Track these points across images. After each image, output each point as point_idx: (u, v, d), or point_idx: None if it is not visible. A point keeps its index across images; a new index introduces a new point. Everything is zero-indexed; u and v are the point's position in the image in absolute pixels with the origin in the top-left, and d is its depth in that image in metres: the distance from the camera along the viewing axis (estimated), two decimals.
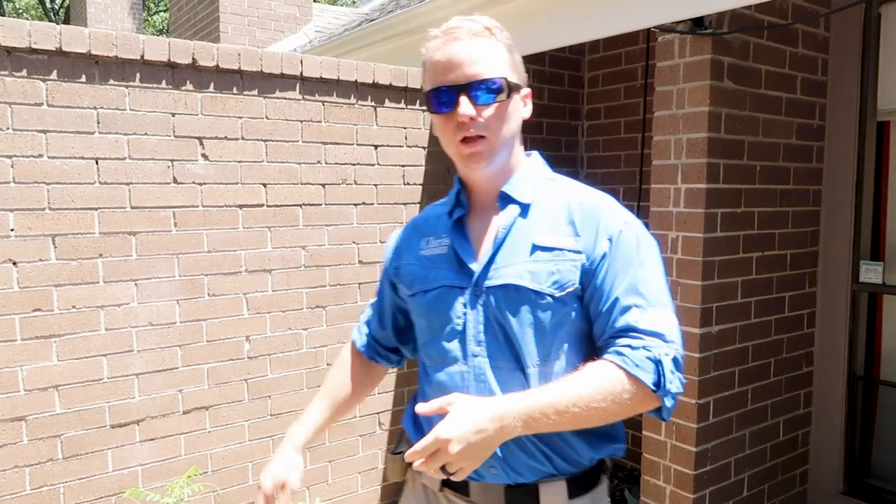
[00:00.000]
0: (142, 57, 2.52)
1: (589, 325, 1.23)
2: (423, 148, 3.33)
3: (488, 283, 1.22)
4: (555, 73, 3.80)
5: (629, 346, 1.13)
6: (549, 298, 1.19)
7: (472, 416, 1.07)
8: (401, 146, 3.25)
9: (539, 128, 3.72)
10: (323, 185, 3.03)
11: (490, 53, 1.20)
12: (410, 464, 1.18)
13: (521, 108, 1.27)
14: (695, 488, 2.76)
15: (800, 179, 3.05)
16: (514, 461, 1.21)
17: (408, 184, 3.30)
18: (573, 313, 1.22)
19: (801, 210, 3.08)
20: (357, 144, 3.12)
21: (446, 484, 1.30)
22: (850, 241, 3.09)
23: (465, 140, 1.21)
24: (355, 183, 3.12)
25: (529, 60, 3.79)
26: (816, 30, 3.02)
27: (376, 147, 3.18)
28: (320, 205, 3.03)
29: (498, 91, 1.19)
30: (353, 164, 3.11)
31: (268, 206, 2.89)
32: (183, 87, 2.64)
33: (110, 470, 2.59)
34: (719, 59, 2.63)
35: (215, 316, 2.79)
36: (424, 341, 1.33)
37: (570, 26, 2.95)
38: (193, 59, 2.63)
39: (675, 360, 1.14)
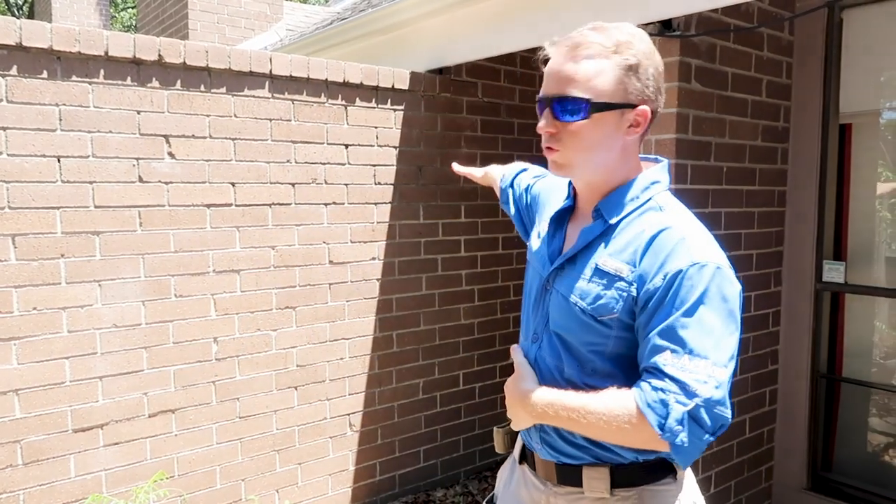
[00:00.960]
0: (106, 53, 2.47)
1: (636, 352, 1.23)
2: (395, 147, 3.32)
3: (555, 286, 1.34)
4: (526, 73, 3.81)
5: (650, 384, 1.14)
6: (591, 320, 1.25)
7: (517, 386, 1.32)
8: (372, 145, 3.24)
9: (510, 128, 3.74)
10: (293, 185, 3.00)
11: (588, 72, 1.21)
12: (512, 438, 1.50)
13: (615, 127, 1.24)
14: None
15: (765, 181, 3.10)
16: (554, 443, 1.33)
17: (379, 183, 3.28)
18: (615, 337, 1.24)
19: (766, 211, 3.13)
20: (327, 143, 3.09)
21: (523, 458, 1.46)
22: (813, 242, 3.15)
23: (547, 148, 1.29)
24: (326, 182, 3.10)
25: (500, 61, 3.80)
26: (781, 34, 3.08)
27: (347, 146, 3.16)
28: (290, 204, 3.00)
29: (577, 111, 1.22)
30: (324, 164, 3.09)
31: (236, 205, 2.85)
32: (149, 85, 2.60)
33: (73, 475, 2.53)
34: (687, 61, 2.66)
35: (182, 317, 2.74)
36: (522, 293, 1.50)
37: (541, 28, 2.96)
38: (160, 55, 2.59)
39: (693, 412, 1.11)
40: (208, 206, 2.77)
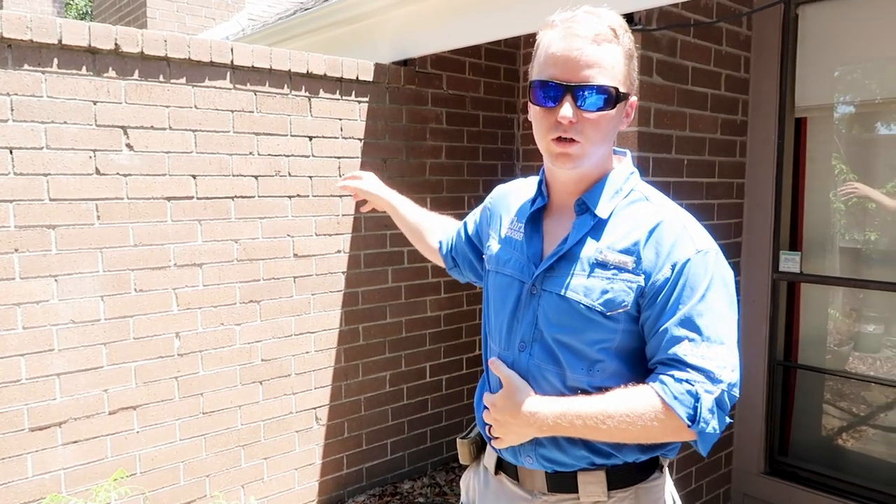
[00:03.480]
0: (59, 41, 2.40)
1: (642, 344, 1.22)
2: (359, 140, 3.29)
3: (546, 287, 1.25)
4: (491, 66, 3.82)
5: (673, 376, 1.13)
6: (600, 316, 1.19)
7: (513, 401, 1.20)
8: (336, 137, 3.21)
9: (475, 121, 3.74)
10: (256, 177, 2.96)
11: (608, 59, 1.15)
12: (479, 447, 1.43)
13: (620, 118, 1.22)
14: None
15: (724, 173, 3.17)
16: (549, 454, 1.26)
17: (343, 175, 3.25)
18: (622, 331, 1.21)
19: (725, 202, 3.20)
20: (291, 135, 3.06)
21: (500, 468, 1.37)
22: (770, 232, 3.23)
23: (558, 139, 1.18)
24: (289, 175, 3.07)
25: (466, 53, 3.80)
26: (739, 28, 3.14)
27: (311, 138, 3.13)
28: (253, 197, 2.96)
29: (605, 101, 1.15)
30: (287, 156, 3.05)
31: (198, 198, 2.80)
32: (105, 74, 2.53)
33: (30, 475, 2.47)
34: (649, 55, 2.70)
35: (143, 312, 2.69)
36: (486, 311, 1.40)
37: (505, 20, 2.97)
38: (116, 44, 2.52)
39: (719, 399, 1.12)
40: (168, 199, 2.72)
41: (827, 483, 3.11)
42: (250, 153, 2.93)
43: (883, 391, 3.18)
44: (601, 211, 1.24)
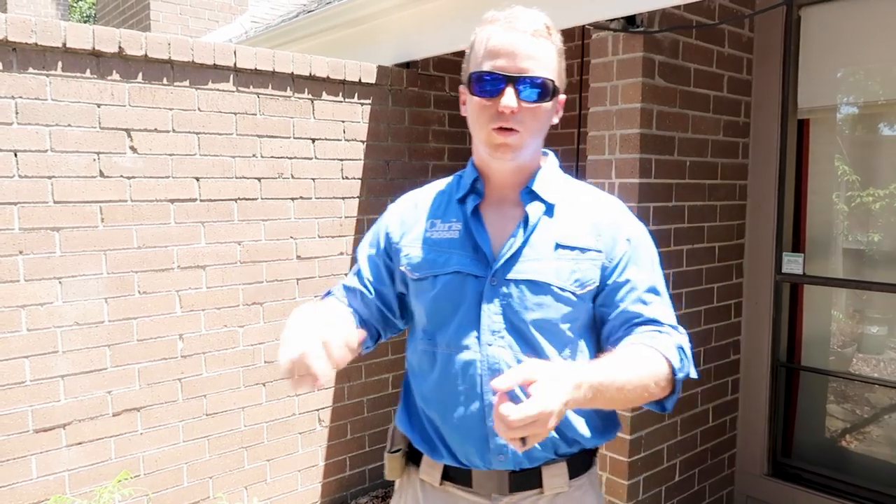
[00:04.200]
0: (64, 45, 2.41)
1: (595, 321, 1.30)
2: (362, 142, 3.30)
3: (511, 275, 1.24)
4: None
5: (658, 332, 1.23)
6: (571, 295, 1.24)
7: (562, 386, 1.01)
8: (339, 140, 3.22)
9: None
10: (259, 179, 2.97)
11: (545, 54, 1.21)
12: (408, 460, 1.37)
13: (554, 110, 1.27)
14: (629, 475, 2.84)
15: (727, 175, 3.17)
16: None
17: (346, 178, 3.26)
18: (588, 310, 1.28)
19: (728, 204, 3.20)
20: (294, 138, 3.07)
21: (446, 477, 1.31)
22: (773, 234, 3.23)
23: (499, 129, 1.20)
24: (292, 177, 3.07)
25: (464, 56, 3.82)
26: (742, 30, 3.14)
27: (314, 140, 3.13)
28: (256, 199, 2.97)
29: (543, 92, 1.20)
30: (290, 158, 3.06)
31: (201, 200, 2.81)
32: (109, 77, 2.54)
33: (34, 476, 2.48)
34: (651, 56, 2.70)
35: (146, 314, 2.70)
36: (430, 328, 1.31)
37: None
38: (120, 47, 2.53)
39: (688, 345, 1.25)
40: (172, 201, 2.73)
41: (830, 485, 3.10)
42: (253, 155, 2.94)
43: (887, 393, 3.18)
44: (550, 197, 1.29)
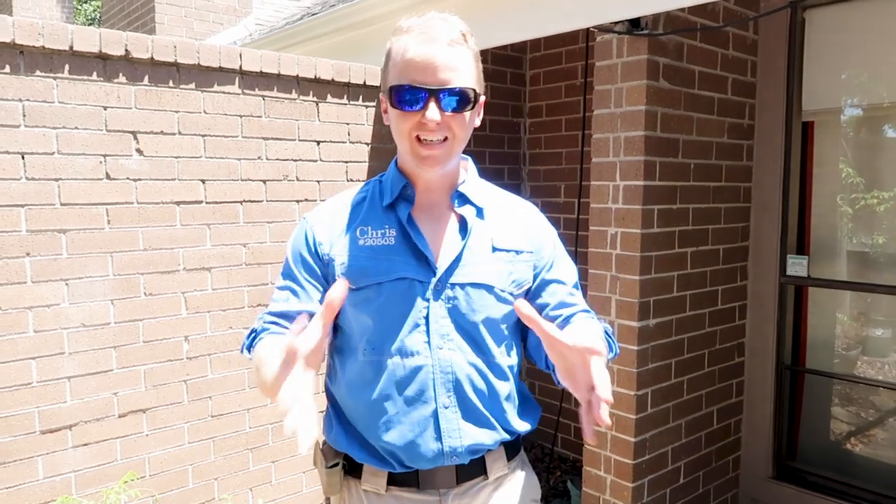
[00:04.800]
0: (71, 48, 2.43)
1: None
2: (367, 144, 3.31)
3: (454, 279, 1.27)
4: (497, 70, 3.83)
5: (592, 318, 1.33)
6: (509, 296, 1.30)
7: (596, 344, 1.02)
8: (343, 142, 3.23)
9: (482, 125, 3.75)
10: (264, 182, 2.98)
11: (463, 62, 1.21)
12: (346, 474, 1.36)
13: (476, 115, 1.28)
14: (634, 477, 2.84)
15: (731, 177, 3.17)
16: (473, 442, 1.29)
17: (351, 180, 3.27)
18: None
19: (732, 206, 3.20)
20: (299, 140, 3.08)
21: (392, 482, 1.31)
22: (777, 236, 3.23)
23: (422, 141, 1.21)
24: (297, 179, 3.08)
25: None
26: (746, 33, 3.14)
27: (318, 143, 3.14)
28: (261, 201, 2.98)
29: (465, 101, 1.21)
30: (295, 160, 3.07)
31: (206, 202, 2.82)
32: (115, 80, 2.55)
33: (41, 477, 2.49)
34: (655, 59, 2.71)
35: (152, 316, 2.71)
36: (374, 337, 1.28)
37: (512, 24, 2.98)
38: (126, 50, 2.55)
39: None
40: (178, 203, 2.74)
41: (835, 487, 3.10)
42: (258, 158, 2.95)
43: (892, 395, 3.17)
44: (479, 201, 1.34)
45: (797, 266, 3.19)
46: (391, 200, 1.31)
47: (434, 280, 1.26)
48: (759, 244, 3.30)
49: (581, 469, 3.13)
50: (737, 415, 3.37)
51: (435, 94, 1.18)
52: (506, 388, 1.34)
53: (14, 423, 2.42)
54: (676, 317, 2.96)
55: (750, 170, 3.27)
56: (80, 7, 16.50)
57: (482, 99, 1.29)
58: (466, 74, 1.21)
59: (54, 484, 2.52)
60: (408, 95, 1.19)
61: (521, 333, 1.40)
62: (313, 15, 4.31)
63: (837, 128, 3.18)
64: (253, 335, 1.32)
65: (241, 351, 1.35)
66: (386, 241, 1.29)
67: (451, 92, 1.19)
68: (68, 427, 2.54)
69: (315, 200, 3.15)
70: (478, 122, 1.31)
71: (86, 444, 2.58)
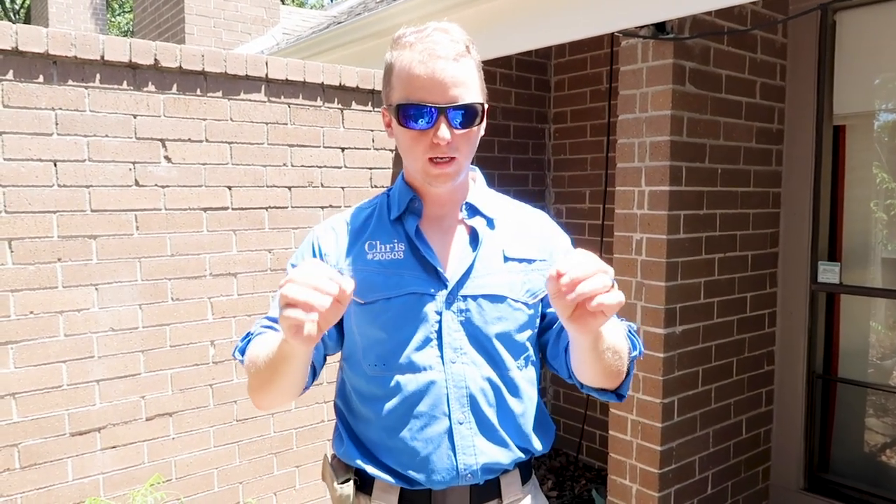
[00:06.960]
0: (102, 57, 2.48)
1: (538, 328, 1.33)
2: (391, 151, 3.32)
3: (466, 291, 1.24)
4: (522, 76, 3.82)
5: (615, 317, 1.26)
6: (524, 306, 1.27)
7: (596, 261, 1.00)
8: (368, 149, 3.25)
9: (507, 131, 3.75)
10: (289, 188, 3.01)
11: (469, 76, 1.18)
12: (357, 490, 1.31)
13: (483, 126, 1.26)
14: (660, 487, 2.79)
15: (760, 182, 3.12)
16: (489, 460, 1.25)
17: (375, 186, 3.29)
18: (537, 319, 1.31)
19: (761, 212, 3.15)
20: (324, 147, 3.10)
21: (403, 500, 1.27)
22: (808, 243, 3.16)
23: (435, 161, 1.18)
24: (322, 185, 3.11)
25: (496, 64, 3.82)
26: (774, 36, 3.09)
27: (343, 149, 3.17)
28: (286, 207, 3.00)
29: (474, 116, 1.19)
30: (320, 167, 3.10)
31: (233, 209, 2.85)
32: (145, 89, 2.60)
33: (70, 479, 2.53)
34: (681, 63, 2.68)
35: (179, 320, 2.75)
36: (384, 352, 1.26)
37: (536, 30, 2.97)
38: (155, 59, 2.60)
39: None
40: (205, 209, 2.78)
41: (870, 501, 3.02)
42: (284, 164, 2.98)
43: None
44: (489, 211, 1.31)
45: (829, 273, 3.12)
46: (399, 214, 1.29)
47: (445, 293, 1.24)
48: (788, 250, 3.24)
49: (606, 478, 3.09)
50: (767, 424, 3.30)
51: (444, 112, 1.15)
52: (522, 403, 1.30)
53: (45, 426, 2.47)
54: (704, 324, 2.91)
55: (779, 175, 3.21)
56: (113, 19, 16.89)
57: (486, 107, 1.26)
58: (473, 88, 1.19)
59: (83, 485, 2.56)
60: (416, 114, 1.16)
61: (541, 346, 1.36)
62: (339, 24, 4.35)
63: (870, 131, 3.11)
64: (248, 339, 1.31)
65: (234, 354, 1.32)
66: (395, 255, 1.27)
67: (460, 109, 1.16)
68: (97, 430, 2.58)
69: (339, 207, 3.17)
70: (482, 132, 1.28)
71: (114, 447, 2.62)
